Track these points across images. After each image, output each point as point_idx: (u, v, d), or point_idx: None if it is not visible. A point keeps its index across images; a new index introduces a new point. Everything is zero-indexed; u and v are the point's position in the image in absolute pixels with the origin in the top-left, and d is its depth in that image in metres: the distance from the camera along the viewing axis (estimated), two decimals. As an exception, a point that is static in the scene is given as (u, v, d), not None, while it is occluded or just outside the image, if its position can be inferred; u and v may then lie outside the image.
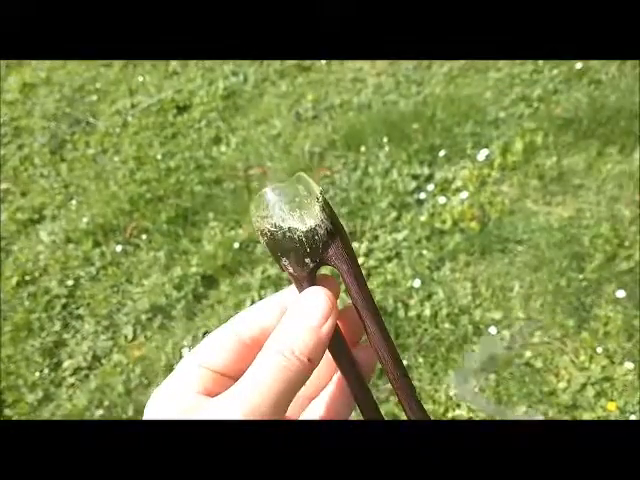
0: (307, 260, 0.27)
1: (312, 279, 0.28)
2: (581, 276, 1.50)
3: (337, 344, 0.29)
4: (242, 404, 0.25)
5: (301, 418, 0.32)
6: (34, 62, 2.81)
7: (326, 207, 0.27)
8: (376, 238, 1.69)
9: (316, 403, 0.33)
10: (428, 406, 1.33)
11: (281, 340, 0.27)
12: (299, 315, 0.27)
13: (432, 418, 0.34)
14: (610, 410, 1.24)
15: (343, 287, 0.30)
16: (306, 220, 0.27)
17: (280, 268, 0.28)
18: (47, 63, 2.78)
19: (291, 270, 0.28)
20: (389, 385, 1.37)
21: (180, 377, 0.28)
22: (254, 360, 0.27)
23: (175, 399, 0.27)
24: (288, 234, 0.27)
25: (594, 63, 2.12)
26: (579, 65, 2.11)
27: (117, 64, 2.66)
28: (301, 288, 0.28)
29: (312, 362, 0.27)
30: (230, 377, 0.29)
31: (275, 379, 0.26)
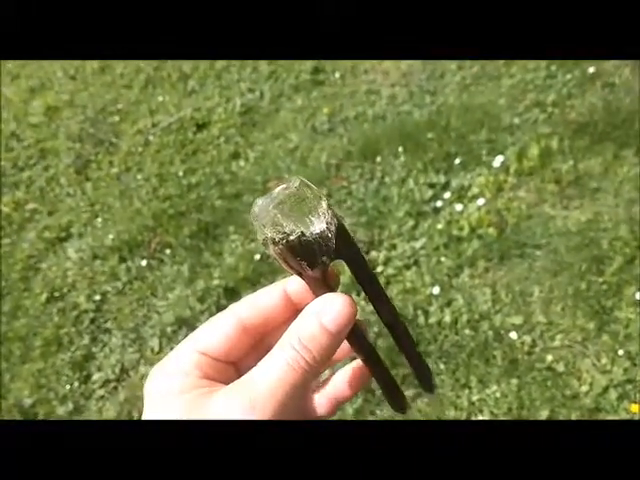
0: (324, 259, 0.28)
1: (326, 277, 0.29)
2: (601, 279, 1.50)
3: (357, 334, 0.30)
4: (244, 403, 0.26)
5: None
6: (57, 86, 2.90)
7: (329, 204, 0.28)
8: (394, 247, 1.71)
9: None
10: (450, 412, 1.34)
11: (297, 336, 0.27)
12: (322, 317, 0.27)
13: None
14: (633, 412, 1.24)
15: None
16: (318, 221, 0.27)
17: (295, 273, 0.29)
18: (70, 86, 2.87)
19: (310, 273, 0.28)
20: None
21: (178, 364, 0.29)
22: (264, 355, 0.27)
23: (176, 392, 0.27)
24: (303, 239, 0.27)
25: (607, 67, 2.12)
26: (592, 69, 2.12)
27: (137, 85, 2.74)
28: (318, 289, 0.29)
29: (320, 365, 0.27)
30: (227, 363, 0.29)
31: (281, 379, 0.26)
